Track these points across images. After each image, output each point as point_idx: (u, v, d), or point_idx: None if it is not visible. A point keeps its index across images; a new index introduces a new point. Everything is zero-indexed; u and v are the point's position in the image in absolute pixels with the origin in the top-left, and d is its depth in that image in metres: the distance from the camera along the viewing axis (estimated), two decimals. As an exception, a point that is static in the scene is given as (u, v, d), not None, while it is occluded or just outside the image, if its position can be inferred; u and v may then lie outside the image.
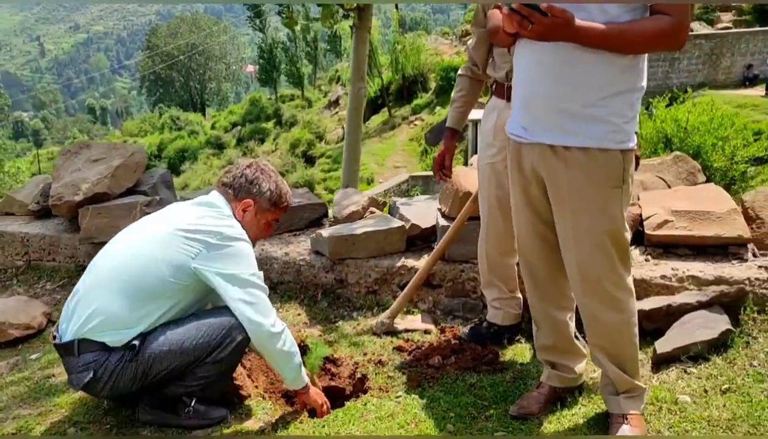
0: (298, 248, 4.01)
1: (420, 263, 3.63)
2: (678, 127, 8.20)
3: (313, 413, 2.76)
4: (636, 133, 2.83)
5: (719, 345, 2.83)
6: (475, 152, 3.23)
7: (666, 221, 3.36)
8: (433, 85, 33.13)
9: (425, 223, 3.79)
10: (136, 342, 2.44)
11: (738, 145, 8.51)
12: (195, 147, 42.47)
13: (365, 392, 2.94)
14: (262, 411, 2.77)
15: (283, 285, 3.91)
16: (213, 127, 48.75)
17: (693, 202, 3.41)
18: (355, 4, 6.31)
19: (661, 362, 2.83)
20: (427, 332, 3.40)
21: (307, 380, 2.73)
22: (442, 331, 3.36)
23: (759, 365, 2.73)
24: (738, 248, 3.28)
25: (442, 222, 3.60)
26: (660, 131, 8.50)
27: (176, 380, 2.56)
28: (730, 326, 2.85)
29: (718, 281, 3.08)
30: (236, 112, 49.86)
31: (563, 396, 2.64)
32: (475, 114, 5.00)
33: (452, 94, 3.25)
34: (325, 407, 2.75)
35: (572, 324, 2.60)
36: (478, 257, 3.24)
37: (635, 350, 2.39)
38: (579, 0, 2.02)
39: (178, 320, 2.56)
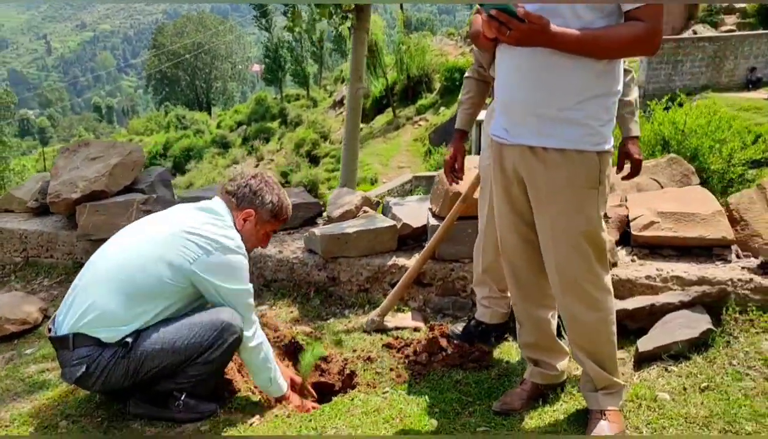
0: (291, 247, 4.07)
1: (411, 261, 3.68)
2: (675, 130, 8.22)
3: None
4: (638, 137, 2.91)
5: (700, 344, 2.87)
6: (479, 153, 3.28)
7: (652, 222, 3.41)
8: (437, 85, 33.17)
9: (416, 222, 3.85)
10: (129, 339, 2.50)
11: (736, 147, 8.52)
12: (200, 146, 42.62)
13: (353, 387, 2.99)
14: (251, 406, 2.83)
15: (276, 283, 3.97)
16: (218, 127, 48.90)
17: (679, 204, 3.45)
18: (353, 6, 6.37)
19: (642, 361, 2.88)
20: (416, 329, 3.45)
21: (284, 389, 2.81)
22: (431, 329, 3.41)
23: (738, 364, 2.78)
24: (722, 249, 3.33)
25: (433, 222, 3.66)
26: (658, 134, 8.51)
27: (167, 377, 2.62)
28: (711, 326, 2.89)
29: (702, 281, 3.13)
30: (242, 112, 49.99)
31: (545, 393, 2.69)
32: (480, 115, 5.06)
33: (460, 96, 3.29)
34: (308, 409, 2.82)
35: (554, 322, 2.65)
36: (474, 255, 3.29)
37: (613, 347, 2.44)
38: (555, 0, 2.07)
39: (171, 319, 2.62)
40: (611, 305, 2.41)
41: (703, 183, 8.02)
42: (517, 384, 2.78)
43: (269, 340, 3.15)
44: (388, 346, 3.28)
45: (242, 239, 2.72)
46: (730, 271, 3.19)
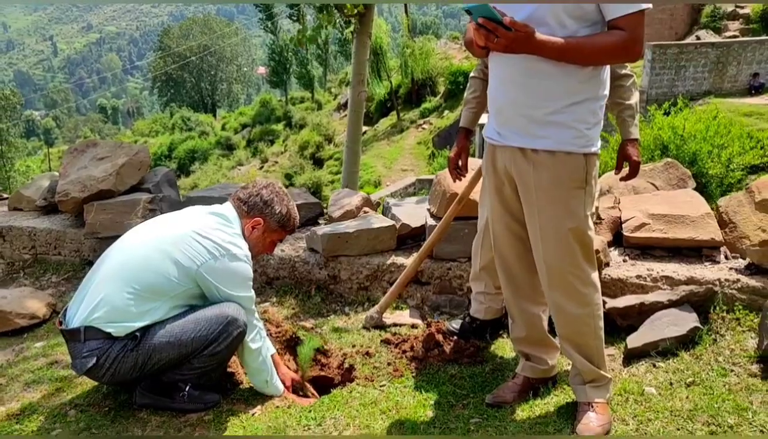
0: (293, 245, 4.18)
1: (409, 260, 3.78)
2: (674, 134, 8.31)
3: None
4: (638, 140, 3.00)
5: (687, 342, 2.97)
6: (481, 156, 3.38)
7: (643, 224, 3.51)
8: (442, 89, 33.29)
9: (415, 222, 3.95)
10: (138, 333, 2.61)
11: (735, 152, 8.60)
12: (205, 148, 42.81)
13: (352, 381, 3.09)
14: (253, 397, 2.93)
15: (278, 280, 4.07)
16: (223, 128, 49.09)
17: (669, 207, 3.55)
18: (356, 11, 6.49)
19: (631, 357, 2.97)
20: (414, 326, 3.55)
21: (281, 390, 2.92)
22: (428, 325, 3.51)
23: (724, 360, 2.87)
24: (711, 250, 3.42)
25: (431, 222, 3.76)
26: (657, 138, 8.59)
27: (174, 368, 2.73)
28: (698, 324, 2.99)
29: (690, 281, 3.22)
30: (246, 114, 50.20)
31: (537, 386, 2.79)
32: (484, 118, 5.16)
33: (465, 95, 3.37)
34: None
35: (546, 318, 2.75)
36: (472, 252, 3.37)
37: (600, 342, 2.54)
38: (539, 0, 2.18)
39: (178, 314, 2.72)
40: (598, 300, 2.50)
41: (702, 188, 8.10)
42: (509, 378, 2.88)
43: (271, 335, 3.28)
44: (386, 341, 3.38)
45: (249, 246, 2.83)
46: (718, 271, 3.29)
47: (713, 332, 3.06)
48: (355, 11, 6.52)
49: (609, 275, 3.38)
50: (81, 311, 2.64)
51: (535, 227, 2.44)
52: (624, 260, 3.52)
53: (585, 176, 2.35)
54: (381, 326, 3.56)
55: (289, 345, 3.41)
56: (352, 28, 6.95)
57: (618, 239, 3.68)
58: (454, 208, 3.44)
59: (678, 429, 2.43)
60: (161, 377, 2.76)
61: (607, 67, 2.37)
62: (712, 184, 8.34)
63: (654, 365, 2.90)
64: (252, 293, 2.82)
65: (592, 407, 2.50)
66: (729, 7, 26.62)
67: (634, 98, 3.11)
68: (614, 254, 3.59)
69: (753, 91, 21.18)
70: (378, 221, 4.00)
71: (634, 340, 2.99)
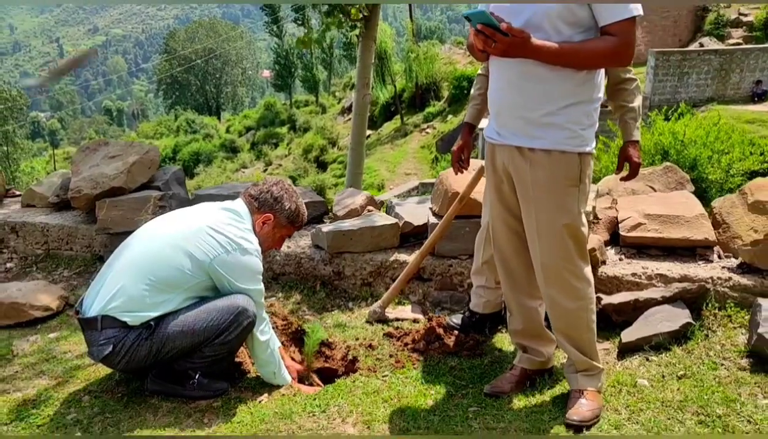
0: (299, 242, 4.29)
1: (412, 258, 3.88)
2: (675, 140, 8.42)
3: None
4: (639, 141, 3.11)
5: (680, 337, 3.07)
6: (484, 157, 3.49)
7: (639, 224, 3.61)
8: (445, 93, 33.42)
9: (418, 221, 4.06)
10: (152, 322, 2.73)
11: (734, 158, 8.70)
12: (209, 150, 42.99)
13: (355, 372, 3.20)
14: (260, 385, 3.04)
15: (284, 276, 4.19)
16: (227, 131, 49.33)
17: (665, 207, 3.66)
18: (361, 15, 6.61)
19: (626, 351, 3.08)
20: (415, 321, 3.66)
21: (288, 381, 3.03)
22: (430, 320, 3.61)
23: (714, 355, 2.98)
24: (704, 250, 3.53)
25: (433, 220, 3.88)
26: (658, 143, 8.71)
27: (186, 357, 2.84)
28: (690, 320, 3.09)
29: (684, 279, 3.33)
30: (251, 117, 50.44)
31: (533, 377, 2.89)
32: (484, 122, 5.28)
33: (471, 92, 3.47)
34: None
35: (542, 311, 2.85)
36: (475, 247, 3.47)
37: (592, 334, 2.65)
38: (531, 0, 2.30)
39: (191, 305, 2.84)
40: (591, 295, 2.62)
41: (702, 192, 8.21)
42: (507, 370, 2.99)
43: (277, 328, 3.39)
44: (389, 335, 3.49)
45: (259, 241, 2.96)
46: (711, 270, 3.39)
47: (705, 328, 3.16)
48: (360, 15, 6.65)
49: (605, 273, 3.49)
50: (98, 300, 2.75)
51: (531, 223, 2.55)
52: (620, 259, 3.62)
53: (579, 175, 2.46)
54: (384, 321, 3.67)
55: (295, 338, 3.53)
56: (357, 31, 7.08)
57: (615, 239, 3.78)
58: (455, 207, 3.55)
59: (668, 419, 2.53)
60: (173, 365, 2.87)
61: (602, 71, 2.48)
62: (712, 189, 8.45)
63: (647, 359, 3.00)
64: (261, 286, 2.93)
65: (583, 394, 2.61)
66: (732, 15, 26.76)
67: (637, 101, 3.21)
68: (611, 252, 3.70)
69: (756, 99, 21.28)
70: (381, 219, 4.11)
71: (629, 334, 3.09)
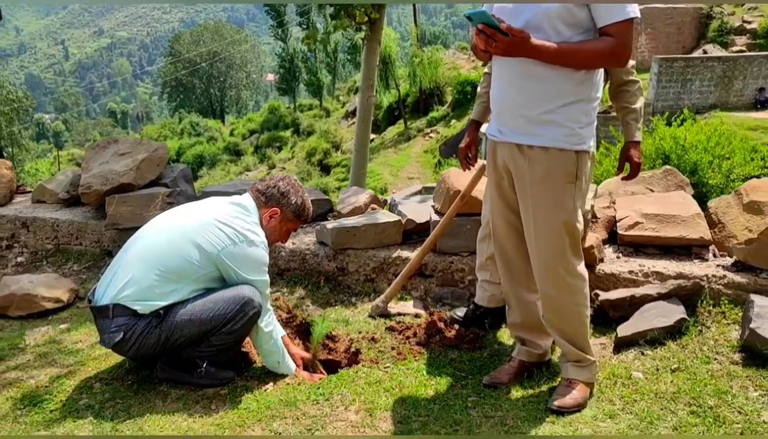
0: (304, 239, 4.38)
1: (414, 254, 3.98)
2: (676, 145, 8.50)
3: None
4: (640, 142, 3.19)
5: (675, 332, 3.15)
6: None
7: (637, 223, 3.70)
8: (449, 98, 33.51)
9: (420, 218, 4.15)
10: (162, 311, 2.83)
11: (735, 163, 8.77)
12: (213, 153, 43.12)
13: (358, 363, 3.29)
14: (266, 374, 3.13)
15: (289, 272, 4.28)
16: (231, 134, 49.44)
17: (662, 207, 3.74)
18: (366, 18, 6.72)
19: (621, 345, 3.16)
20: (417, 316, 3.75)
21: (292, 370, 3.12)
22: (431, 315, 3.70)
23: (708, 349, 3.06)
24: (700, 248, 3.61)
25: (435, 218, 3.97)
26: (659, 148, 8.79)
27: (193, 345, 2.94)
28: (685, 316, 3.17)
29: (679, 276, 3.41)
30: (255, 120, 50.56)
31: (531, 369, 2.98)
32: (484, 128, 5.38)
33: (478, 90, 3.56)
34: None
35: (540, 304, 2.94)
36: (478, 244, 3.54)
37: (585, 328, 2.74)
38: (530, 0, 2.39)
39: (199, 295, 2.94)
40: (584, 289, 2.70)
41: (702, 197, 8.27)
42: (506, 362, 3.07)
43: (282, 320, 3.49)
44: (391, 329, 3.58)
45: (266, 234, 3.06)
46: (706, 268, 3.47)
47: (699, 324, 3.24)
48: (365, 19, 6.76)
49: (603, 270, 3.57)
50: (110, 290, 2.85)
51: (529, 219, 2.64)
52: (618, 257, 3.71)
53: (576, 172, 2.54)
54: (386, 315, 3.75)
55: (299, 331, 3.63)
56: (362, 34, 7.19)
57: (613, 237, 3.87)
58: (457, 205, 3.64)
59: (661, 409, 2.61)
60: (181, 353, 2.97)
61: (601, 71, 2.57)
62: (713, 193, 8.50)
63: (642, 353, 3.08)
64: (267, 277, 3.03)
65: (571, 383, 2.71)
66: (736, 22, 26.84)
67: (639, 103, 3.30)
68: (609, 251, 3.78)
69: (759, 106, 21.33)
70: (384, 216, 4.20)
71: (624, 329, 3.18)
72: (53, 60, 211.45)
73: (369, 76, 7.16)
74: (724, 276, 3.38)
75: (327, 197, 4.82)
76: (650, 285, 3.40)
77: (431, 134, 31.28)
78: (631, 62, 3.06)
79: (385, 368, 3.18)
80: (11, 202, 5.45)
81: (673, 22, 27.79)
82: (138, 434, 2.62)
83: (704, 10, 27.91)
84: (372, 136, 34.13)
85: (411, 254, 3.99)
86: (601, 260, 3.63)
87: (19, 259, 4.93)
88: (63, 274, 4.64)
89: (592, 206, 3.77)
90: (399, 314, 3.76)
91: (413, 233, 4.21)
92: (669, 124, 9.83)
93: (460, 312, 3.62)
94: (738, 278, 3.35)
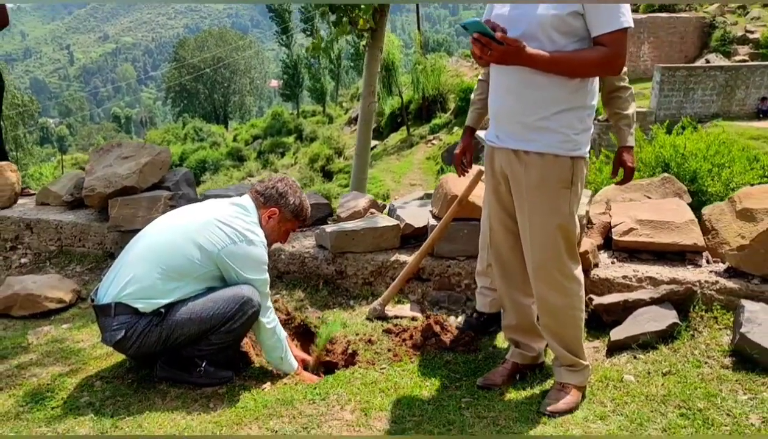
0: (304, 242, 4.44)
1: (411, 258, 4.03)
2: (676, 153, 8.56)
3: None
4: (633, 147, 3.24)
5: (667, 336, 3.20)
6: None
7: (631, 229, 3.75)
8: (452, 105, 33.55)
9: (418, 223, 4.20)
10: (162, 309, 2.89)
11: (735, 171, 8.81)
12: (216, 158, 43.24)
13: (355, 364, 3.34)
14: (264, 374, 3.19)
15: (289, 274, 4.33)
16: (234, 140, 49.58)
17: (656, 213, 3.79)
18: (368, 25, 6.80)
19: (614, 349, 3.21)
20: (414, 319, 3.79)
21: (295, 366, 3.18)
22: (428, 318, 3.75)
23: (699, 353, 3.10)
24: (694, 255, 3.66)
25: (433, 222, 4.02)
26: (659, 156, 8.84)
27: (193, 344, 2.99)
28: (677, 320, 3.22)
29: (672, 282, 3.46)
30: (258, 126, 50.74)
31: (524, 372, 3.03)
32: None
33: (472, 97, 3.61)
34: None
35: (535, 309, 2.99)
36: (479, 249, 3.58)
37: (579, 331, 2.78)
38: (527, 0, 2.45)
39: (199, 294, 3.00)
40: (579, 293, 2.74)
41: (701, 205, 8.30)
42: (500, 364, 3.12)
43: (281, 322, 3.53)
44: (388, 331, 3.63)
45: (265, 234, 3.12)
46: (699, 274, 3.52)
47: (692, 329, 3.29)
48: (367, 26, 6.84)
49: (597, 275, 3.62)
50: (112, 288, 2.91)
51: (525, 223, 2.69)
52: (612, 262, 3.76)
53: (571, 177, 2.60)
54: (383, 318, 3.80)
55: (298, 332, 3.68)
56: (364, 41, 7.27)
57: (608, 243, 3.92)
58: (454, 209, 3.69)
59: (651, 411, 2.66)
60: (180, 352, 3.02)
61: (596, 79, 2.63)
62: (712, 202, 8.53)
63: (634, 357, 3.13)
64: (267, 276, 3.09)
65: (564, 388, 2.76)
66: (739, 32, 26.91)
67: (631, 109, 3.36)
68: (604, 256, 3.83)
69: (761, 115, 21.38)
70: (383, 220, 4.26)
71: (617, 333, 3.22)
72: (58, 65, 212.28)
73: (371, 83, 7.24)
74: (717, 282, 3.43)
75: (327, 202, 4.88)
76: (643, 290, 3.45)
77: (434, 141, 31.34)
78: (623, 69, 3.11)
79: (381, 369, 3.23)
80: (16, 205, 5.52)
81: (676, 31, 27.88)
82: (137, 431, 2.67)
83: (707, 19, 28.00)
84: (375, 142, 34.30)
85: (409, 258, 4.04)
86: (596, 265, 3.69)
87: (23, 260, 4.99)
88: (66, 275, 4.70)
89: (587, 212, 3.82)
90: (396, 317, 3.81)
91: (411, 238, 4.26)
92: (669, 132, 9.88)
93: (461, 319, 3.67)
94: (730, 283, 3.40)
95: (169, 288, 2.90)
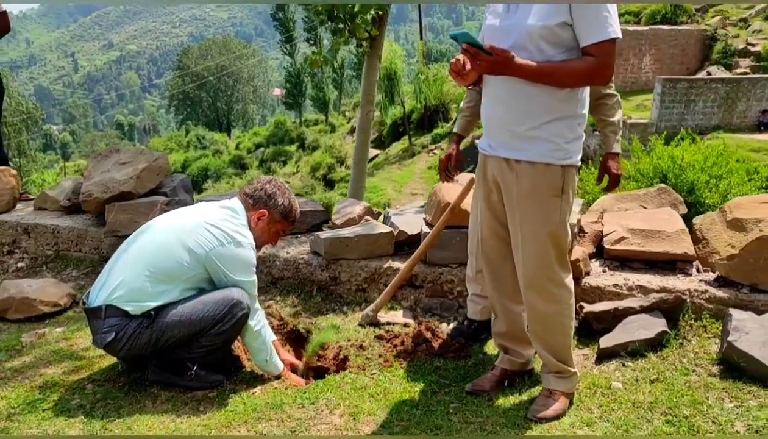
0: (298, 249, 4.47)
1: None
2: (673, 164, 8.59)
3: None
4: (619, 154, 3.27)
5: (656, 344, 3.22)
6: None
7: (623, 238, 3.77)
8: (454, 115, 33.58)
9: (412, 230, 4.23)
10: (152, 312, 2.92)
11: (733, 183, 8.84)
12: (218, 166, 43.35)
13: (345, 369, 3.36)
14: (254, 379, 3.22)
15: (283, 280, 4.36)
16: (237, 148, 49.73)
17: (648, 222, 3.82)
18: (367, 34, 6.85)
19: (603, 356, 3.22)
20: (406, 325, 3.81)
21: (280, 368, 3.21)
22: (419, 324, 3.77)
23: (687, 362, 3.12)
24: (684, 264, 3.68)
25: (426, 229, 4.05)
26: (657, 167, 8.88)
27: (183, 346, 3.02)
28: (666, 329, 3.23)
29: (662, 290, 3.48)
30: (261, 134, 50.89)
31: (513, 378, 3.05)
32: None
33: (461, 104, 3.67)
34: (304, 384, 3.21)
35: (525, 315, 3.01)
36: (468, 256, 3.61)
37: (567, 339, 2.80)
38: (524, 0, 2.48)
39: (188, 297, 3.03)
40: (569, 301, 2.76)
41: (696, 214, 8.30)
42: (489, 370, 3.14)
43: (274, 327, 3.57)
44: (380, 337, 3.65)
45: (255, 236, 3.16)
46: (689, 283, 3.54)
47: (681, 337, 3.30)
48: (366, 35, 6.89)
49: (588, 283, 3.64)
50: (103, 291, 2.95)
51: (516, 231, 2.72)
52: (604, 270, 3.78)
53: (562, 186, 2.62)
54: (375, 324, 3.82)
55: (290, 337, 3.71)
56: (363, 49, 7.32)
57: (600, 252, 3.94)
58: (446, 216, 3.72)
59: (638, 418, 2.67)
60: (171, 355, 3.05)
61: (586, 89, 2.66)
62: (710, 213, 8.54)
63: (623, 364, 3.14)
64: (254, 277, 3.12)
65: (552, 394, 2.78)
66: (740, 44, 26.97)
67: (617, 116, 3.39)
68: (595, 264, 3.85)
69: (762, 128, 21.41)
70: (377, 227, 4.28)
71: (606, 341, 3.24)
72: (63, 72, 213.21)
73: (369, 91, 7.29)
74: (706, 291, 3.44)
75: (323, 208, 4.91)
76: (633, 298, 3.47)
77: (435, 151, 31.38)
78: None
79: (371, 374, 3.25)
80: (14, 209, 5.55)
81: (678, 43, 27.96)
82: (126, 433, 2.69)
83: (708, 32, 28.08)
84: (377, 151, 34.38)
85: (402, 265, 4.06)
86: (587, 273, 3.71)
87: (20, 264, 5.02)
88: (62, 279, 4.72)
89: (579, 220, 3.84)
90: (388, 323, 3.83)
91: (405, 245, 4.28)
92: (667, 143, 9.91)
93: (451, 326, 3.69)
94: (719, 292, 3.42)
95: (158, 291, 2.93)
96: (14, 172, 5.64)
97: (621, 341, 3.20)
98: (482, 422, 2.71)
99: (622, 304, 3.41)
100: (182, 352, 3.03)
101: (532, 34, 2.46)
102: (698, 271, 3.69)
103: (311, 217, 4.77)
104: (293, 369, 3.35)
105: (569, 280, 2.76)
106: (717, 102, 21.79)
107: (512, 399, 2.92)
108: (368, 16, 6.64)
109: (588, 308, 3.46)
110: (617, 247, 3.77)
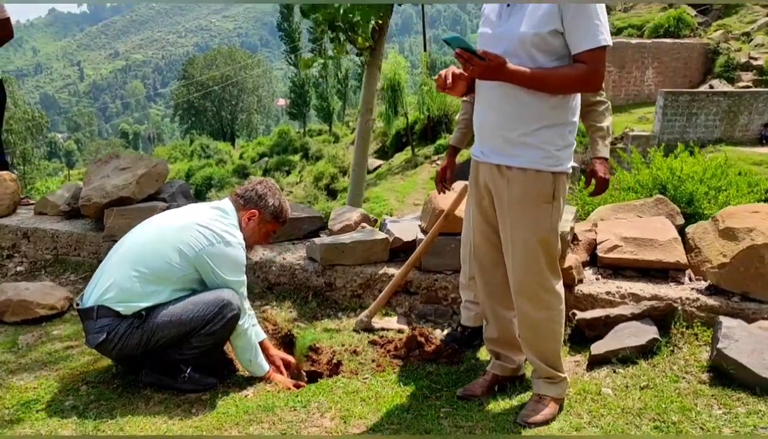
0: (295, 255, 4.49)
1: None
2: (672, 175, 8.60)
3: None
4: (606, 158, 3.30)
5: (647, 351, 3.24)
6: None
7: (616, 246, 3.80)
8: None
9: (407, 237, 4.25)
10: (143, 312, 2.95)
11: (732, 195, 8.84)
12: (222, 175, 43.48)
13: (338, 374, 3.38)
14: (247, 382, 3.24)
15: (279, 286, 4.39)
16: (241, 157, 49.87)
17: (641, 231, 3.84)
18: (366, 44, 6.91)
19: (594, 363, 3.24)
20: (400, 331, 3.84)
21: (265, 369, 3.24)
22: (413, 330, 3.79)
23: (678, 369, 3.14)
24: (676, 272, 3.70)
25: (421, 236, 4.08)
26: (656, 178, 8.88)
27: (174, 347, 3.05)
28: (657, 336, 3.25)
29: (654, 298, 3.50)
30: (264, 144, 51.03)
31: (504, 383, 3.07)
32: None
33: (457, 117, 3.72)
34: (293, 388, 3.23)
35: (516, 321, 3.03)
36: (461, 263, 3.64)
37: (557, 344, 2.82)
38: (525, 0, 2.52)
39: (179, 297, 3.06)
40: (560, 307, 2.79)
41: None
42: (480, 376, 3.16)
43: (268, 332, 3.59)
44: (374, 342, 3.67)
45: (246, 236, 3.20)
46: (681, 291, 3.56)
47: (671, 345, 3.32)
48: (366, 45, 6.95)
49: (581, 291, 3.66)
50: (95, 292, 2.99)
51: (507, 237, 2.74)
52: (597, 278, 3.80)
53: (553, 192, 2.65)
54: (370, 330, 3.84)
55: (284, 341, 3.73)
56: (364, 58, 7.38)
57: (594, 259, 3.96)
58: (440, 223, 3.75)
59: (626, 424, 2.69)
60: (164, 356, 3.07)
61: (578, 96, 2.69)
62: (708, 225, 8.55)
63: (614, 371, 3.16)
64: (244, 277, 3.16)
65: (542, 399, 2.80)
66: (743, 58, 27.05)
67: (606, 122, 3.43)
68: (589, 272, 3.87)
69: (764, 141, 21.46)
70: (373, 234, 4.31)
71: (598, 347, 3.26)
72: (68, 81, 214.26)
73: (369, 100, 7.35)
74: (698, 299, 3.47)
75: (320, 215, 4.94)
76: (625, 306, 3.49)
77: (438, 161, 31.42)
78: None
79: (363, 378, 3.27)
80: (14, 214, 5.59)
81: (680, 57, 28.05)
82: (119, 434, 2.72)
83: (711, 45, 28.17)
84: (380, 162, 34.42)
85: (397, 271, 4.09)
86: (580, 281, 3.73)
87: (19, 268, 5.06)
88: (60, 283, 4.75)
89: (572, 228, 3.86)
90: (382, 329, 3.86)
91: (401, 251, 4.31)
92: (667, 155, 9.94)
93: (445, 332, 3.71)
94: (710, 301, 3.44)
95: (149, 291, 2.96)
96: (13, 176, 5.69)
97: (612, 347, 3.23)
98: (472, 427, 2.73)
99: (613, 311, 3.43)
100: (174, 353, 3.06)
101: (524, 41, 2.50)
102: (690, 279, 3.71)
103: (308, 224, 4.80)
104: (287, 365, 3.38)
105: (560, 286, 2.79)
106: (719, 115, 21.86)
107: (503, 404, 2.94)
108: (368, 26, 6.71)
109: (580, 315, 3.49)
110: (610, 255, 3.80)
